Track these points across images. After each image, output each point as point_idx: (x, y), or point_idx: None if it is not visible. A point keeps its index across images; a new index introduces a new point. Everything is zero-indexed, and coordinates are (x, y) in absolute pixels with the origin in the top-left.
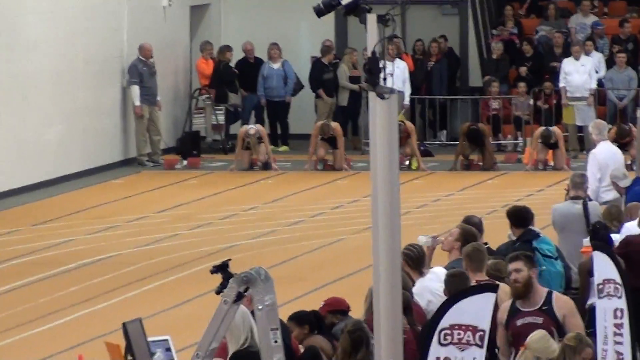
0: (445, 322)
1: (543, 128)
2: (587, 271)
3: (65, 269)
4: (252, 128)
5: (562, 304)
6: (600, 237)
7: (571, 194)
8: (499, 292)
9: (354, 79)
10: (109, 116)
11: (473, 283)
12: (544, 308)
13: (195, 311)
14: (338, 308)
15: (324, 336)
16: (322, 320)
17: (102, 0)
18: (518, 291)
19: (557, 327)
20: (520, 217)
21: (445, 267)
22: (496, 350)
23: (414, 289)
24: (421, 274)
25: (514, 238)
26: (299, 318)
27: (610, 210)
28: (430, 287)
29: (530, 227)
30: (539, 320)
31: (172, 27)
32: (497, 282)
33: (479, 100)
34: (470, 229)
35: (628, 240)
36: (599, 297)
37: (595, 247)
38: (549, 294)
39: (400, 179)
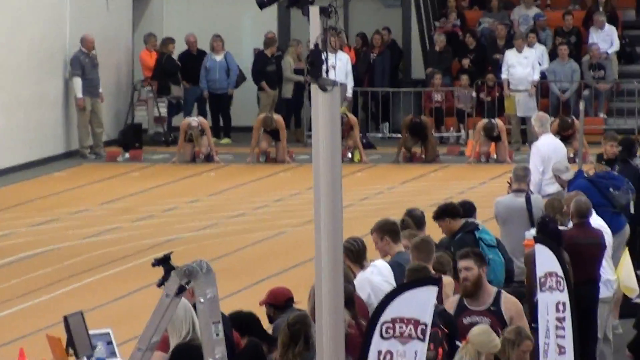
0: (387, 315)
1: (486, 120)
2: (533, 263)
3: (6, 262)
4: (195, 120)
5: (510, 305)
6: (549, 230)
7: (514, 186)
8: (443, 287)
9: (299, 71)
10: (52, 108)
11: None
12: (492, 309)
13: (136, 304)
14: (273, 302)
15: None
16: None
17: None
18: (467, 289)
19: (503, 329)
20: (452, 209)
21: (391, 261)
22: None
23: (355, 282)
24: (362, 267)
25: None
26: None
27: (552, 203)
28: (371, 279)
29: (468, 218)
30: (486, 321)
31: (115, 19)
32: (440, 275)
33: (421, 93)
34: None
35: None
36: (541, 291)
37: (537, 240)
38: (498, 293)
39: (343, 171)
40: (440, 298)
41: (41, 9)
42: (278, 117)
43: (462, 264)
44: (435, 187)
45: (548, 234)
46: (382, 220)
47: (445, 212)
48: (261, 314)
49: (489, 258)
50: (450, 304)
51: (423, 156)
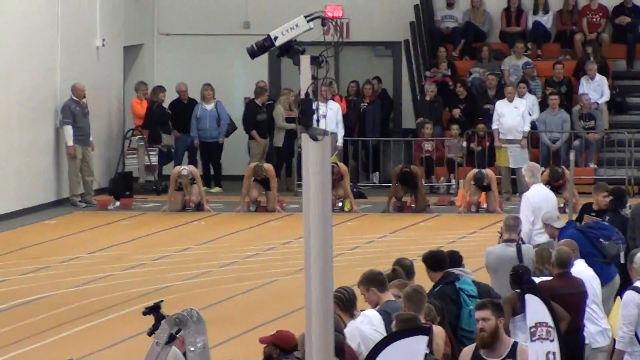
0: None
1: (476, 170)
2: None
3: None
4: (185, 169)
5: (526, 356)
6: (523, 281)
7: (504, 236)
8: (433, 336)
9: (290, 120)
10: (42, 156)
11: None
12: None
13: (127, 353)
14: (281, 344)
15: None
16: None
17: (36, 40)
18: (484, 340)
19: None
20: (436, 260)
21: (379, 310)
22: None
23: (345, 331)
24: (352, 316)
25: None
26: None
27: (541, 253)
28: (360, 329)
29: (453, 270)
30: None
31: (106, 68)
32: (430, 324)
33: (412, 142)
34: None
35: (539, 287)
36: (532, 340)
37: (526, 290)
38: (514, 345)
39: (333, 220)
40: (430, 347)
41: (32, 57)
42: (268, 166)
43: (479, 314)
44: (426, 237)
45: (523, 285)
46: (367, 272)
47: (425, 263)
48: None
49: (470, 309)
50: (466, 354)
51: (413, 205)
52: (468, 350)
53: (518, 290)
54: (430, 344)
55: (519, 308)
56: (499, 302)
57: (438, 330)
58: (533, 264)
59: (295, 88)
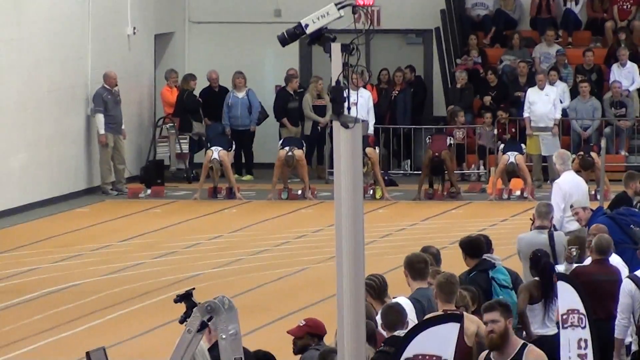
0: (409, 351)
1: (507, 162)
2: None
3: (29, 297)
4: (216, 154)
5: (534, 357)
6: (541, 265)
7: (536, 223)
8: (465, 322)
9: (318, 108)
10: (74, 144)
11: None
12: None
13: (159, 340)
14: (317, 332)
15: None
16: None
17: (67, 28)
18: (493, 342)
19: None
20: (473, 246)
21: (410, 297)
22: None
23: (377, 318)
24: (383, 303)
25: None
26: None
27: (578, 238)
28: None
29: (485, 256)
30: None
31: (137, 56)
32: (462, 312)
33: (443, 130)
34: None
35: (577, 272)
36: (563, 327)
37: (559, 277)
38: (523, 346)
39: (365, 208)
40: (461, 333)
41: (62, 46)
42: (299, 154)
43: (487, 316)
44: (457, 224)
45: (541, 269)
46: (409, 255)
47: (462, 249)
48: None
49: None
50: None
51: (444, 193)
52: (481, 357)
53: (537, 278)
54: (461, 331)
55: (537, 295)
56: (507, 304)
57: (470, 317)
58: (565, 251)
59: (327, 76)
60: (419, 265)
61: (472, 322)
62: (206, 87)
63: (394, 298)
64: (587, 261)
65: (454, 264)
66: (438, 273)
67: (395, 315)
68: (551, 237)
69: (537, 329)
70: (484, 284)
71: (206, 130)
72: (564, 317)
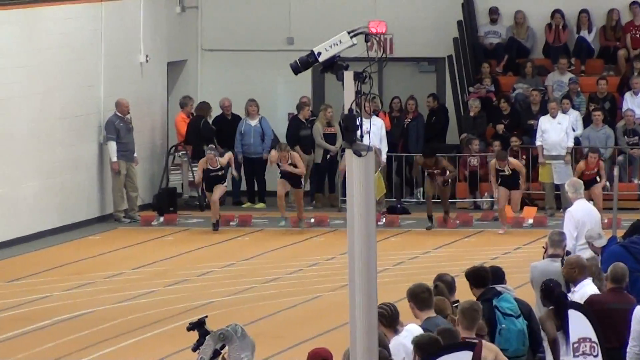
0: None
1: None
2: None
3: (41, 325)
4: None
5: None
6: (555, 296)
7: (549, 251)
8: (484, 351)
9: (328, 136)
10: (86, 172)
11: None
12: None
13: None
14: None
15: None
16: None
17: (79, 56)
18: None
19: None
20: (477, 276)
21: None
22: None
23: (389, 347)
24: (396, 331)
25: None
26: None
27: (591, 268)
28: (405, 344)
29: (499, 287)
30: None
31: (149, 83)
32: (481, 340)
33: (455, 158)
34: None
35: (591, 300)
36: (574, 356)
37: (570, 306)
38: None
39: (377, 236)
40: None
41: (75, 73)
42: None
43: None
44: (470, 253)
45: (555, 300)
46: (412, 286)
47: (468, 279)
48: None
49: (501, 327)
50: None
51: (457, 222)
52: None
53: (551, 307)
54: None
55: (557, 324)
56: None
57: (489, 347)
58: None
59: (339, 104)
60: (423, 295)
61: (490, 351)
62: (219, 114)
63: (405, 326)
64: (583, 286)
65: (467, 292)
66: (442, 302)
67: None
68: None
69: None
70: (487, 313)
71: None
72: (575, 345)
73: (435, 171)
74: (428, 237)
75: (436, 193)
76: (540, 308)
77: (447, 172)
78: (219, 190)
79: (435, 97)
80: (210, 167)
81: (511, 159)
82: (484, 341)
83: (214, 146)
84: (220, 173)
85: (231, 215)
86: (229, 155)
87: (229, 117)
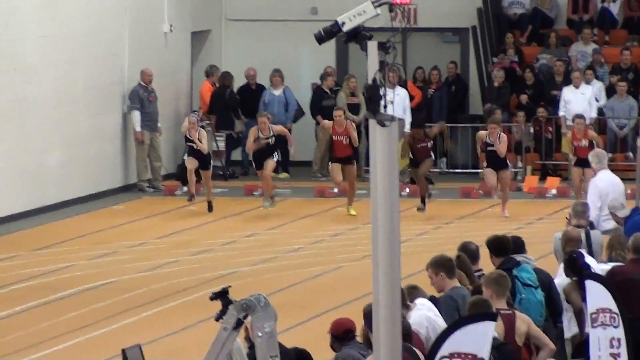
0: (445, 349)
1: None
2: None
3: (65, 294)
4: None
5: None
6: (578, 266)
7: (573, 222)
8: (517, 322)
9: (352, 106)
10: (110, 142)
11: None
12: None
13: (195, 337)
14: (338, 333)
15: None
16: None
17: (103, 25)
18: None
19: None
20: (499, 245)
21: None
22: None
23: (413, 318)
24: (407, 308)
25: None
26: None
27: (619, 239)
28: (427, 315)
29: (519, 257)
30: None
31: (174, 53)
32: (514, 312)
33: (478, 128)
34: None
35: (613, 272)
36: (592, 327)
37: (587, 276)
38: None
39: (401, 206)
40: (512, 333)
41: (99, 43)
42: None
43: None
44: (493, 223)
45: (577, 270)
46: (438, 256)
47: (489, 247)
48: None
49: (521, 297)
50: None
51: (480, 192)
52: None
53: (576, 278)
54: (512, 329)
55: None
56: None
57: (522, 317)
58: (602, 249)
59: (363, 74)
60: (450, 263)
61: (523, 322)
62: (244, 84)
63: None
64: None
65: (489, 261)
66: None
67: None
68: (588, 236)
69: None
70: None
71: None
72: (593, 316)
73: (428, 144)
74: (451, 207)
75: (413, 176)
76: (563, 277)
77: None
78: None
79: (456, 64)
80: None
81: (502, 134)
82: (517, 312)
83: (196, 111)
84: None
85: (255, 185)
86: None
87: (253, 86)
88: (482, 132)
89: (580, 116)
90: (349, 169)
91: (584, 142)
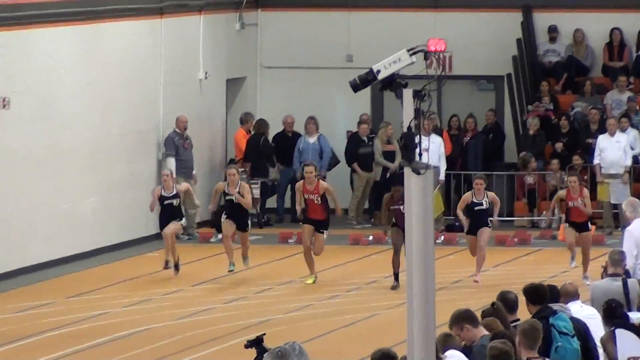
0: None
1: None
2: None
3: (99, 342)
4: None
5: None
6: (617, 315)
7: (610, 270)
8: None
9: (387, 154)
10: (145, 189)
11: None
12: None
13: None
14: None
15: None
16: None
17: (138, 72)
18: None
19: None
20: (535, 293)
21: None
22: None
23: None
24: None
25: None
26: None
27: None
28: None
29: (555, 306)
30: None
31: (209, 100)
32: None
33: (514, 176)
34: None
35: None
36: None
37: (617, 325)
38: None
39: (435, 254)
40: None
41: (135, 90)
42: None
43: None
44: (528, 271)
45: (617, 319)
46: (455, 312)
47: (525, 295)
48: None
49: (557, 345)
50: None
51: (515, 240)
52: None
53: (613, 328)
54: None
55: None
56: None
57: None
58: (639, 298)
59: (398, 121)
60: (469, 312)
61: None
62: (279, 131)
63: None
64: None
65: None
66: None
67: None
68: (625, 285)
69: None
70: (543, 331)
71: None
72: None
73: (401, 207)
74: (487, 255)
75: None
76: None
77: None
78: (174, 227)
79: (495, 112)
80: (164, 194)
81: (489, 193)
82: None
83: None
84: (174, 202)
85: (289, 232)
86: (186, 185)
87: (290, 134)
88: (467, 195)
89: (573, 174)
90: (318, 238)
91: (580, 202)
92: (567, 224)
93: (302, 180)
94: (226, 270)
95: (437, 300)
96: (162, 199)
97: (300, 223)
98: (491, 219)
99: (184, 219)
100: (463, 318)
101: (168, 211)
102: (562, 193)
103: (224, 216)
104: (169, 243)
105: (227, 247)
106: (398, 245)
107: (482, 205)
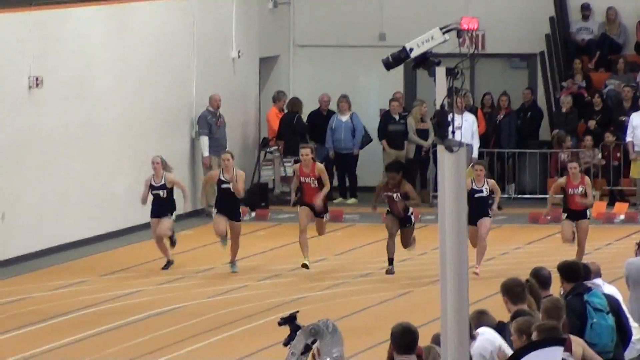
0: None
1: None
2: None
3: (133, 320)
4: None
5: None
6: None
7: None
8: (573, 345)
9: (421, 132)
10: (178, 167)
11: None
12: None
13: None
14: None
15: None
16: None
17: (171, 51)
18: None
19: None
20: (570, 271)
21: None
22: None
23: (479, 342)
24: (473, 337)
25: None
26: None
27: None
28: (489, 339)
29: (589, 282)
30: None
31: (242, 79)
32: (568, 335)
33: (547, 154)
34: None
35: None
36: None
37: None
38: None
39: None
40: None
41: (167, 68)
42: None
43: None
44: (560, 248)
45: None
46: (506, 280)
47: (560, 272)
48: None
49: (592, 322)
50: None
51: (549, 217)
52: None
53: None
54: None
55: None
56: None
57: (578, 341)
58: None
59: (431, 100)
60: (517, 289)
61: (578, 345)
62: (314, 110)
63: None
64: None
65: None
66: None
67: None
68: None
69: None
70: (579, 308)
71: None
72: None
73: (394, 194)
74: (519, 233)
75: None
76: (633, 303)
77: (410, 201)
78: (164, 225)
79: (532, 91)
80: (153, 183)
81: (489, 180)
82: (571, 336)
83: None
84: (161, 194)
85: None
86: (173, 177)
87: (324, 112)
88: (468, 181)
89: (573, 159)
90: (318, 222)
91: (580, 190)
92: (565, 215)
93: (299, 163)
94: (258, 249)
95: (470, 278)
96: (151, 188)
97: (298, 206)
98: (492, 208)
99: (174, 214)
100: (505, 290)
101: (157, 202)
102: (562, 180)
103: (214, 210)
104: (160, 246)
105: (233, 246)
106: (393, 231)
107: (482, 192)
